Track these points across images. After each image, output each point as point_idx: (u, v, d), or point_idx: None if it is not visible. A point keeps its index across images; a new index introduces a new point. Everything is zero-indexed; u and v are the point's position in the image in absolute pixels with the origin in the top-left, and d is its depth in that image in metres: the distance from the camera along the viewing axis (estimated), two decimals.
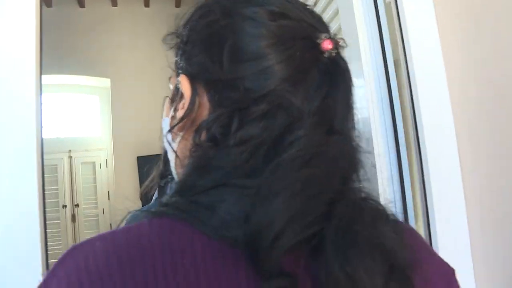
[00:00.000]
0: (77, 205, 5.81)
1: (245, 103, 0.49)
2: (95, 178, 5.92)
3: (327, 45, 0.51)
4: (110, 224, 5.79)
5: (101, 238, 0.47)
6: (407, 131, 0.98)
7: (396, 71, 0.98)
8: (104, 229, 5.81)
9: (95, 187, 5.90)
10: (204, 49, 0.55)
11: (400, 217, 0.60)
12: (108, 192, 5.85)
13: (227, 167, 0.47)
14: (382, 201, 0.51)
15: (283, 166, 0.45)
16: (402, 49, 0.91)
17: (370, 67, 0.95)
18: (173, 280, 0.42)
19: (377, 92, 0.94)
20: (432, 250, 0.59)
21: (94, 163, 5.93)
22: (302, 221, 0.43)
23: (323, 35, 0.52)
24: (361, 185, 0.50)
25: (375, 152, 0.95)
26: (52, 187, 5.83)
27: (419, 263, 0.47)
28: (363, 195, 0.49)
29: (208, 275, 0.43)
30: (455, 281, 0.56)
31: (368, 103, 0.95)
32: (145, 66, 5.79)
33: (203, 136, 0.51)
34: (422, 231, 0.99)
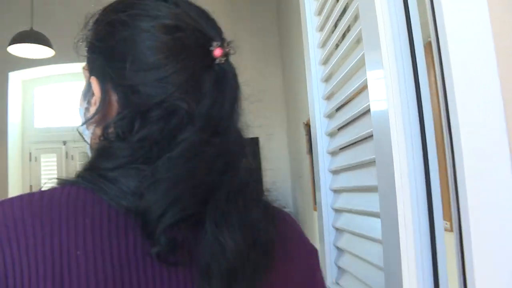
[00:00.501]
0: None
1: (145, 107, 0.58)
2: None
3: (217, 53, 0.59)
4: None
5: (20, 196, 0.57)
6: (438, 134, 0.75)
7: (425, 58, 0.76)
8: None
9: None
10: (109, 59, 0.62)
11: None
12: None
13: (128, 156, 0.56)
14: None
15: (172, 160, 0.54)
16: (434, 29, 0.68)
17: (392, 52, 0.73)
18: (74, 233, 0.51)
19: (399, 84, 0.73)
20: (301, 236, 0.70)
21: None
22: (182, 204, 0.52)
23: (215, 43, 0.60)
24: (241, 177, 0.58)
25: (394, 164, 0.74)
26: None
27: (283, 242, 0.60)
28: (239, 184, 0.58)
29: (103, 233, 0.52)
30: (315, 260, 0.69)
31: (388, 99, 0.73)
32: None
33: (111, 130, 0.60)
34: None
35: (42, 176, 5.80)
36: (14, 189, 5.54)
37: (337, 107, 1.24)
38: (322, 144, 1.28)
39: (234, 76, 0.63)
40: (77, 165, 5.81)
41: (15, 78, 5.71)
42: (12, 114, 5.57)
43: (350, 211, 1.12)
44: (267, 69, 5.84)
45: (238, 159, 0.60)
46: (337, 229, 1.21)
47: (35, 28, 4.27)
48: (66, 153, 5.82)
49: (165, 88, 0.57)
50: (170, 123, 0.56)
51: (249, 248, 0.53)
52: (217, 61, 0.59)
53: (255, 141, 5.30)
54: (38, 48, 4.30)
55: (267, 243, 0.55)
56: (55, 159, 5.82)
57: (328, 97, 1.27)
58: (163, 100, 0.57)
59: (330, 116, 1.27)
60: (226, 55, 0.60)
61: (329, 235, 1.21)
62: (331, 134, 1.26)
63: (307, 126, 4.59)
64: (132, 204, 0.53)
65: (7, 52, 4.43)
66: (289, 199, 5.63)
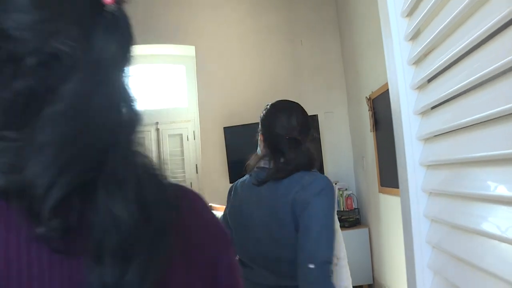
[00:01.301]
0: None
1: (20, 54, 0.48)
2: (182, 151, 5.71)
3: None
4: None
5: None
6: None
7: None
8: None
9: (183, 160, 5.70)
10: None
11: None
12: (196, 165, 5.63)
13: None
14: None
15: (55, 117, 0.46)
16: None
17: None
18: None
19: None
20: (210, 219, 0.62)
21: (181, 135, 5.72)
22: (72, 171, 0.45)
23: None
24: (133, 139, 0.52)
25: None
26: None
27: (181, 217, 0.53)
28: (134, 149, 0.52)
29: None
30: (225, 246, 0.61)
31: None
32: (229, 31, 5.44)
33: None
34: None
35: None
36: None
37: (433, 74, 0.88)
38: (408, 122, 0.93)
39: (127, 25, 0.55)
40: None
41: None
42: None
43: (456, 195, 0.77)
44: (325, 44, 5.43)
45: (133, 115, 0.54)
46: (432, 220, 0.87)
47: None
48: None
49: (44, 32, 0.47)
50: (50, 71, 0.48)
51: (143, 222, 0.47)
52: (108, 8, 0.52)
53: (313, 119, 4.94)
54: None
55: (160, 217, 0.49)
56: None
57: (418, 62, 0.91)
58: (42, 46, 0.47)
59: (421, 88, 0.91)
60: (118, 2, 0.53)
61: (419, 228, 0.87)
62: (424, 114, 0.91)
63: (371, 101, 4.18)
64: (10, 182, 0.44)
65: None
66: (351, 180, 5.25)
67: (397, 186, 3.67)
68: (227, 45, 5.44)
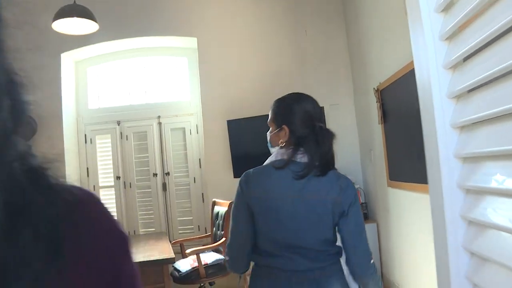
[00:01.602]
0: (167, 174, 5.55)
1: None
2: (185, 145, 5.59)
3: None
4: (202, 194, 5.48)
5: None
6: None
7: None
8: (195, 199, 5.51)
9: (186, 154, 5.58)
10: None
11: None
12: (199, 159, 5.50)
13: None
14: None
15: None
16: None
17: None
18: None
19: None
20: (105, 220, 0.56)
21: (184, 129, 5.59)
22: None
23: None
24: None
25: None
26: (142, 155, 5.61)
27: (73, 225, 0.48)
28: (21, 152, 0.48)
29: None
30: (122, 250, 0.56)
31: None
32: (232, 23, 5.31)
33: None
34: None
35: (98, 158, 5.64)
36: (71, 172, 5.41)
37: (470, 52, 0.74)
38: (441, 107, 0.79)
39: None
40: (132, 145, 5.61)
41: (68, 59, 5.55)
42: (66, 96, 5.42)
43: (499, 193, 0.64)
44: (330, 33, 5.28)
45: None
46: (469, 222, 0.74)
47: (78, 2, 4.00)
48: (121, 133, 5.62)
49: None
50: None
51: (17, 237, 0.41)
52: None
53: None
54: (82, 23, 4.04)
55: (48, 225, 0.44)
56: (109, 139, 5.63)
57: (451, 37, 0.78)
58: None
59: (455, 67, 0.78)
60: None
61: (454, 231, 0.74)
62: (460, 97, 0.77)
63: (378, 92, 4.03)
64: None
65: (58, 33, 4.22)
66: (358, 174, 5.12)
67: (406, 180, 3.54)
68: (230, 36, 5.31)
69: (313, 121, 1.63)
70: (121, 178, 5.60)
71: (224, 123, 5.04)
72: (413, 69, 0.86)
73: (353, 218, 1.60)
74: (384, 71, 3.87)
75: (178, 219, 5.53)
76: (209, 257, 4.05)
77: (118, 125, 5.63)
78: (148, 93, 5.71)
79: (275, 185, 1.56)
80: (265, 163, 1.66)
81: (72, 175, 5.45)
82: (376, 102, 4.08)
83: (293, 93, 1.74)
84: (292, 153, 1.59)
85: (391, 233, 4.22)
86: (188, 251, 3.88)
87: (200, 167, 5.52)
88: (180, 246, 4.47)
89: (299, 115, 1.62)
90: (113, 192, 5.61)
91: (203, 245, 4.19)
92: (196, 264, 3.90)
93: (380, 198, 4.47)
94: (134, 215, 5.55)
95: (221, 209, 4.39)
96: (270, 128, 1.74)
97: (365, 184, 5.02)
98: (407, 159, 3.51)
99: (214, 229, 4.47)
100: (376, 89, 4.07)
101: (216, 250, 4.21)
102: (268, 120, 1.75)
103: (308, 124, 1.61)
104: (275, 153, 1.66)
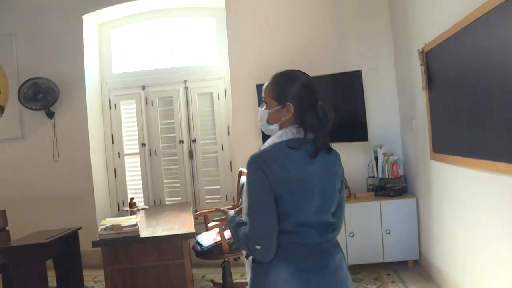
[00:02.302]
0: (194, 141, 5.30)
1: None
2: (213, 111, 5.31)
3: None
4: (230, 162, 5.23)
5: None
6: None
7: None
8: (223, 167, 5.27)
9: (213, 120, 5.31)
10: None
11: None
12: (228, 126, 5.23)
13: None
14: None
15: None
16: None
17: None
18: None
19: None
20: None
21: (211, 94, 5.30)
22: None
23: None
24: None
25: None
26: (168, 121, 5.37)
27: None
28: None
29: None
30: None
31: None
32: None
33: None
34: None
35: (123, 124, 5.45)
36: (95, 139, 5.25)
37: None
38: None
39: None
40: (157, 111, 5.37)
41: (90, 22, 5.30)
42: (89, 61, 5.20)
43: None
44: None
45: None
46: None
47: None
48: (146, 99, 5.38)
49: None
50: None
51: None
52: None
53: (356, 75, 4.40)
54: None
55: None
56: (134, 105, 5.41)
57: None
58: None
59: None
60: None
61: None
62: None
63: (424, 54, 3.60)
64: None
65: None
66: (397, 144, 4.73)
67: (453, 153, 3.13)
68: None
69: (316, 99, 1.63)
70: (146, 145, 5.40)
71: (254, 87, 4.73)
72: (469, 26, 0.51)
73: (343, 190, 1.73)
74: (431, 29, 3.43)
75: (205, 188, 5.32)
76: None
77: (143, 90, 5.39)
78: (174, 57, 5.43)
79: (296, 165, 1.55)
80: (272, 142, 1.60)
81: (97, 142, 5.29)
82: (421, 65, 3.65)
83: (294, 70, 1.72)
84: (303, 132, 1.59)
85: (433, 209, 3.86)
86: (210, 224, 3.65)
87: (228, 134, 5.25)
88: (204, 218, 4.25)
89: (306, 93, 1.61)
90: (138, 159, 5.44)
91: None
92: (219, 238, 3.67)
93: (422, 172, 4.09)
94: (160, 183, 5.37)
95: None
96: (266, 104, 1.67)
97: (405, 156, 4.63)
98: (456, 130, 3.11)
99: (240, 200, 4.22)
100: (421, 50, 3.63)
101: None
102: (266, 95, 1.67)
103: (313, 102, 1.61)
104: (283, 132, 1.60)
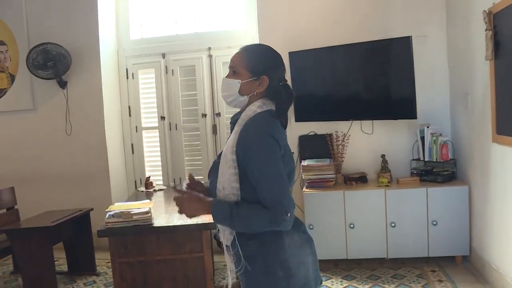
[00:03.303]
0: (218, 114, 4.84)
1: None
2: None
3: None
4: None
5: None
6: None
7: None
8: None
9: None
10: None
11: None
12: None
13: None
14: None
15: None
16: None
17: None
18: None
19: None
20: None
21: None
22: None
23: None
24: None
25: None
26: (190, 92, 4.91)
27: None
28: None
29: None
30: None
31: None
32: None
33: None
34: None
35: (141, 96, 5.01)
36: (111, 112, 4.84)
37: None
38: None
39: None
40: (178, 81, 4.90)
41: None
42: (104, 26, 4.74)
43: None
44: None
45: None
46: None
47: None
48: (166, 68, 4.92)
49: None
50: None
51: None
52: None
53: (405, 42, 3.81)
54: None
55: None
56: (153, 75, 4.96)
57: None
58: None
59: None
60: None
61: None
62: None
63: (491, 16, 3.01)
64: None
65: None
66: (446, 124, 4.16)
67: None
68: None
69: (284, 76, 1.64)
70: (166, 119, 4.97)
71: (286, 55, 4.20)
72: None
73: None
74: None
75: None
76: None
77: (163, 58, 4.93)
78: (197, 21, 4.92)
79: (285, 135, 1.59)
80: (253, 112, 1.55)
81: (113, 114, 4.89)
82: (486, 30, 3.06)
83: (265, 44, 1.72)
84: (273, 104, 1.60)
85: (489, 200, 3.33)
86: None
87: None
88: None
89: (280, 68, 1.63)
90: (157, 134, 5.02)
91: None
92: None
93: (478, 155, 3.54)
94: (180, 160, 4.95)
95: None
96: (236, 74, 1.60)
97: (455, 137, 4.07)
98: None
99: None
100: (487, 12, 3.03)
101: None
102: (238, 65, 1.60)
103: (282, 79, 1.62)
104: (261, 103, 1.57)
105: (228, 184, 1.49)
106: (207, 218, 2.78)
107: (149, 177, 4.33)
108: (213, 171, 1.59)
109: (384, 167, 4.11)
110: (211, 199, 1.52)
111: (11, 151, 4.95)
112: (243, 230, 1.50)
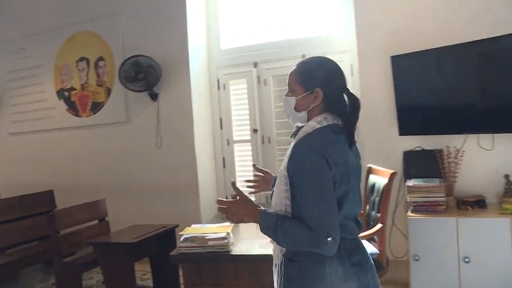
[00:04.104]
0: None
1: None
2: None
3: None
4: None
5: None
6: None
7: None
8: None
9: None
10: None
11: None
12: None
13: None
14: None
15: None
16: None
17: None
18: None
19: None
20: None
21: None
22: None
23: None
24: None
25: None
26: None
27: None
28: None
29: None
30: None
31: None
32: None
33: None
34: None
35: (233, 107, 4.79)
36: (201, 124, 4.68)
37: None
38: None
39: None
40: (271, 91, 4.60)
41: None
42: (193, 35, 4.62)
43: None
44: None
45: None
46: None
47: None
48: (258, 77, 4.65)
49: None
50: None
51: None
52: None
53: None
54: None
55: None
56: (245, 85, 4.72)
57: None
58: None
59: None
60: None
61: None
62: None
63: None
64: None
65: None
66: None
67: None
68: None
69: (345, 85, 1.56)
70: (258, 132, 4.69)
71: (387, 60, 3.73)
72: None
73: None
74: None
75: None
76: None
77: (255, 67, 4.67)
78: (290, 27, 4.60)
79: (345, 150, 1.49)
80: (311, 128, 1.50)
81: (203, 127, 4.73)
82: None
83: (321, 56, 1.66)
84: (338, 118, 1.52)
85: None
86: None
87: None
88: None
89: (335, 78, 1.55)
90: (250, 147, 4.75)
91: None
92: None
93: None
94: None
95: (379, 180, 3.15)
96: (292, 92, 1.58)
97: None
98: None
99: (367, 207, 3.28)
100: None
101: (369, 238, 3.02)
102: (292, 81, 1.57)
103: (341, 89, 1.55)
104: (321, 118, 1.51)
105: (279, 200, 1.49)
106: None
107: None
108: (274, 185, 1.59)
109: (509, 190, 3.39)
110: (262, 208, 1.52)
111: (105, 163, 5.03)
112: (285, 245, 1.49)
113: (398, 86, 3.68)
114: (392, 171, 2.98)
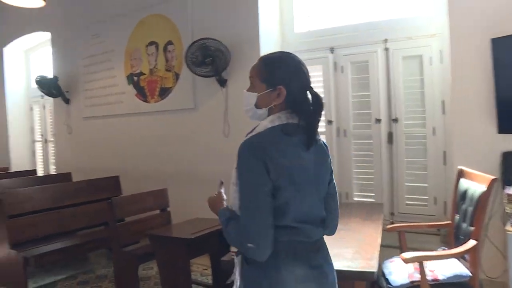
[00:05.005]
0: (395, 120, 3.98)
1: None
2: (422, 80, 3.89)
3: None
4: (444, 152, 3.77)
5: None
6: None
7: None
8: (434, 158, 3.86)
9: (423, 93, 3.89)
10: None
11: None
12: (443, 101, 3.77)
13: None
14: None
15: None
16: None
17: None
18: None
19: None
20: None
21: (421, 56, 3.88)
22: None
23: None
24: None
25: None
26: (362, 93, 4.20)
27: None
28: None
29: None
30: None
31: None
32: None
33: None
34: None
35: None
36: None
37: None
38: None
39: None
40: (349, 79, 4.19)
41: None
42: (265, 17, 4.30)
43: None
44: None
45: None
46: None
47: None
48: (335, 64, 4.25)
49: None
50: None
51: None
52: None
53: None
54: None
55: None
56: (321, 72, 4.33)
57: None
58: None
59: None
60: None
61: None
62: None
63: None
64: None
65: None
66: None
67: None
68: None
69: (309, 84, 1.52)
70: (334, 123, 4.31)
71: (486, 44, 3.22)
72: None
73: (333, 181, 1.61)
74: None
75: (406, 184, 3.98)
76: (444, 268, 2.47)
77: (332, 52, 4.28)
78: (371, 9, 4.17)
79: (294, 152, 1.44)
80: (263, 128, 1.46)
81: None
82: None
83: (285, 52, 1.61)
84: (297, 118, 1.47)
85: None
86: (406, 255, 2.34)
87: (444, 113, 3.78)
88: (399, 235, 2.96)
89: (301, 77, 1.50)
90: (324, 140, 4.36)
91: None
92: (418, 276, 2.36)
93: None
94: (348, 173, 4.24)
95: (474, 186, 2.65)
96: (253, 87, 1.52)
97: None
98: None
99: (456, 217, 2.80)
100: None
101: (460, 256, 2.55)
102: (254, 75, 1.52)
103: (305, 87, 1.50)
104: (275, 117, 1.47)
105: (232, 199, 1.47)
106: (367, 261, 2.06)
107: None
108: None
109: None
110: (226, 206, 1.56)
111: (170, 151, 4.92)
112: (229, 242, 1.47)
113: (499, 75, 3.15)
114: (492, 177, 2.47)
